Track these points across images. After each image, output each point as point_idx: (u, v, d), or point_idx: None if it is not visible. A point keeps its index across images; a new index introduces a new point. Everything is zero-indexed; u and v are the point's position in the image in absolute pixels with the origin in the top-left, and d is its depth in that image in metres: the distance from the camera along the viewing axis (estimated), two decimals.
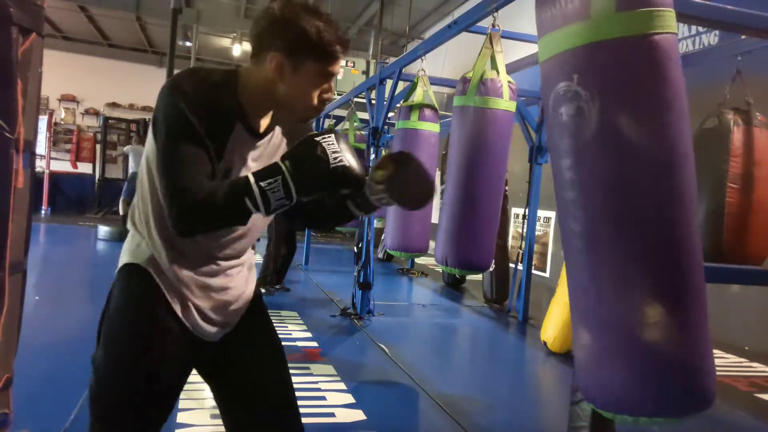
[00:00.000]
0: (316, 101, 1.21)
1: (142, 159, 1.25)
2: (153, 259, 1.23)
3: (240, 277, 1.36)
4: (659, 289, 1.38)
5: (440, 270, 7.62)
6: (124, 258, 1.27)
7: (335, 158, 1.08)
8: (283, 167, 1.08)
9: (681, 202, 1.37)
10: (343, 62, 6.24)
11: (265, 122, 1.28)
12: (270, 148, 1.30)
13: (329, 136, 1.11)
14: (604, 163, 1.37)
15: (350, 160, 1.10)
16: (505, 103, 2.77)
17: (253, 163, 1.25)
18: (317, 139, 1.10)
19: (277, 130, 1.32)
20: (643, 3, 1.33)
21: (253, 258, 1.46)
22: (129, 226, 1.29)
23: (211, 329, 1.29)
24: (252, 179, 1.08)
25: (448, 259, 2.88)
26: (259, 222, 1.31)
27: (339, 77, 8.90)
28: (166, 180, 1.12)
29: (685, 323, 1.39)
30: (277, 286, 5.76)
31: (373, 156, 4.94)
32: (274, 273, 5.63)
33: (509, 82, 2.82)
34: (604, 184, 1.37)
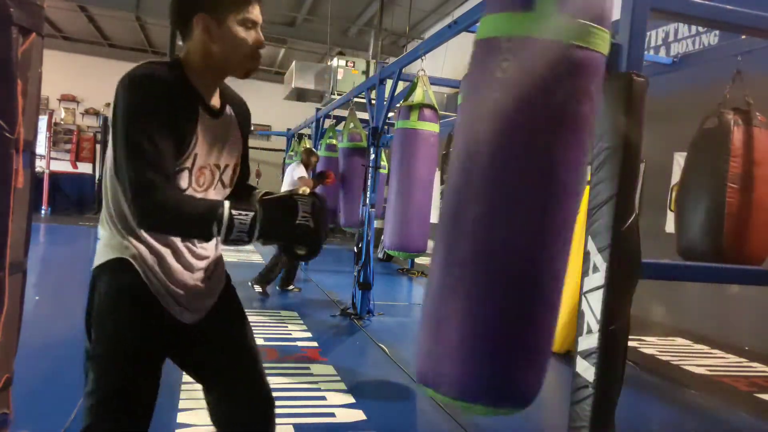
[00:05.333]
0: (249, 50, 1.28)
1: (111, 146, 1.25)
2: (128, 251, 1.28)
3: (209, 267, 1.41)
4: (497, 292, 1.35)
5: None
6: (104, 254, 1.30)
7: (303, 217, 1.19)
8: (258, 208, 1.18)
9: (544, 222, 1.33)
10: (343, 62, 6.27)
11: (216, 101, 1.35)
12: (224, 126, 1.37)
13: (308, 199, 1.21)
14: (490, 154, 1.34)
15: (316, 225, 1.20)
16: None
17: (211, 144, 1.31)
18: (296, 197, 1.21)
19: (229, 108, 1.40)
20: (584, 15, 1.28)
21: (220, 252, 1.50)
22: (101, 227, 1.33)
23: (185, 313, 1.35)
24: (227, 207, 1.16)
25: None
26: None
27: (339, 77, 8.89)
28: (130, 174, 1.14)
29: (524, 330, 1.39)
30: (290, 287, 5.85)
31: (373, 156, 4.94)
32: (286, 276, 5.73)
33: None
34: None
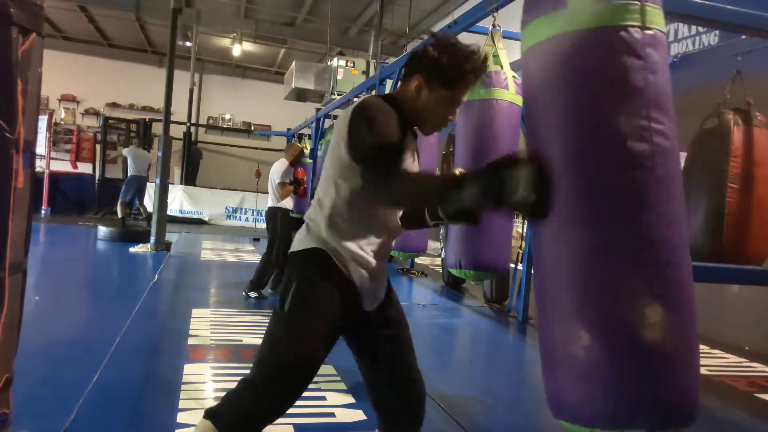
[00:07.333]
0: (439, 121, 1.56)
1: (327, 163, 1.56)
2: (329, 244, 1.53)
3: (384, 265, 1.65)
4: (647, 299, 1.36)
5: (440, 270, 7.62)
6: (306, 242, 1.56)
7: (524, 191, 1.30)
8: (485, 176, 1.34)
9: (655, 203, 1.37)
10: (343, 62, 6.34)
11: (413, 128, 1.62)
12: (416, 150, 1.65)
13: (528, 168, 1.32)
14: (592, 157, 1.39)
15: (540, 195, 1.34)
16: (511, 96, 2.71)
17: (410, 161, 1.57)
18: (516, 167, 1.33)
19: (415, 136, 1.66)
20: None
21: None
22: (307, 221, 1.60)
23: (369, 298, 1.59)
24: (458, 176, 1.37)
25: (462, 262, 2.78)
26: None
27: (339, 77, 8.89)
28: (373, 159, 1.40)
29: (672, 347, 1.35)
30: (255, 294, 5.33)
31: None
32: (277, 277, 5.42)
33: (514, 76, 2.78)
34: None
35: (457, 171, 1.44)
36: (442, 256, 7.11)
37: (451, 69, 1.48)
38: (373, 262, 1.56)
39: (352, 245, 1.53)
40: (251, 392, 1.50)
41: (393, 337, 1.66)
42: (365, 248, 1.55)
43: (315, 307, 1.51)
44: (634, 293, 1.32)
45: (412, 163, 1.58)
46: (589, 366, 1.34)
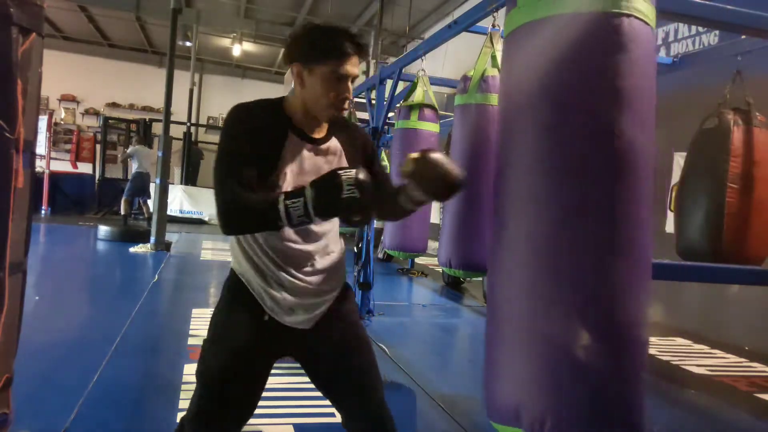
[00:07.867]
0: (332, 100, 1.41)
1: None
2: (243, 266, 1.51)
3: (318, 277, 1.53)
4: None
5: (440, 270, 7.61)
6: (232, 264, 1.56)
7: (348, 190, 1.27)
8: (306, 192, 1.30)
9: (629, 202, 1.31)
10: None
11: (320, 131, 1.51)
12: (329, 154, 1.51)
13: (351, 171, 1.30)
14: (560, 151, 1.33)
15: (362, 193, 1.28)
16: None
17: (308, 166, 1.47)
18: (340, 172, 1.30)
19: (335, 139, 1.53)
20: None
21: (340, 261, 1.61)
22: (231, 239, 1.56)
23: (294, 319, 1.49)
24: (282, 197, 1.31)
25: (452, 261, 2.81)
26: (325, 228, 1.53)
27: None
28: (215, 186, 1.38)
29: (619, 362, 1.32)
30: None
31: None
32: None
33: None
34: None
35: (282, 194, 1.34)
36: None
37: (318, 40, 1.41)
38: (283, 274, 1.47)
39: (257, 260, 1.49)
40: (193, 422, 1.47)
41: (343, 360, 1.56)
42: (273, 260, 1.48)
43: (225, 332, 1.49)
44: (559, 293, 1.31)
45: (298, 174, 1.46)
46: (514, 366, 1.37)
